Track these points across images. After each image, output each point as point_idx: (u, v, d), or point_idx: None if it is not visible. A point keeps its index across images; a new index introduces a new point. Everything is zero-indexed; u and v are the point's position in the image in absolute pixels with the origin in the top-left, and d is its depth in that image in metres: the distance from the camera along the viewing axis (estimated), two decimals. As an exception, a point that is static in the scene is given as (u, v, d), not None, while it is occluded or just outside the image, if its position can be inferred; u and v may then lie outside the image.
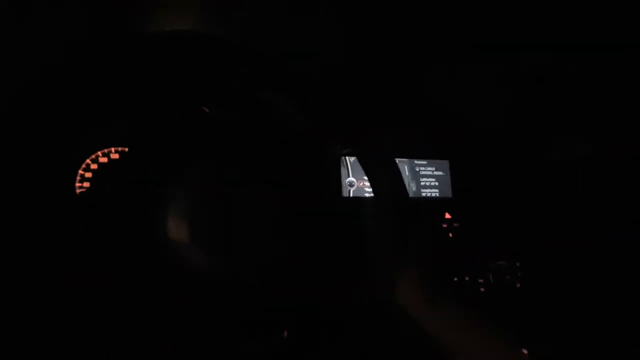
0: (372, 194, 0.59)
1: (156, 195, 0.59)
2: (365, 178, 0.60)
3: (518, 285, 0.77)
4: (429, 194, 0.80)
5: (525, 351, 0.37)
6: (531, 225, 0.80)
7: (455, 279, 0.76)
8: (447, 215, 0.78)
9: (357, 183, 0.77)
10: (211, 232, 0.59)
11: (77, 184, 0.71)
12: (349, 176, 0.76)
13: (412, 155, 0.80)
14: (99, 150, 0.73)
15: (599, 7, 0.72)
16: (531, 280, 0.77)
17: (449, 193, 0.81)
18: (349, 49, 0.78)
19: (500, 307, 0.76)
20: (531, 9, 0.75)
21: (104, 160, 0.73)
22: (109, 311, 0.55)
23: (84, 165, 0.71)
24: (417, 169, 0.80)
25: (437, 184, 0.81)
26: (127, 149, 0.75)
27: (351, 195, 0.76)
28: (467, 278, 0.76)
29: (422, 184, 0.80)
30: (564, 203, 0.80)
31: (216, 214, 0.60)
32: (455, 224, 0.78)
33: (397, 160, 0.61)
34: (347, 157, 0.77)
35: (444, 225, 0.78)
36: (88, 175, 0.71)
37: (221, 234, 0.59)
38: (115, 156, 0.74)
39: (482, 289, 0.76)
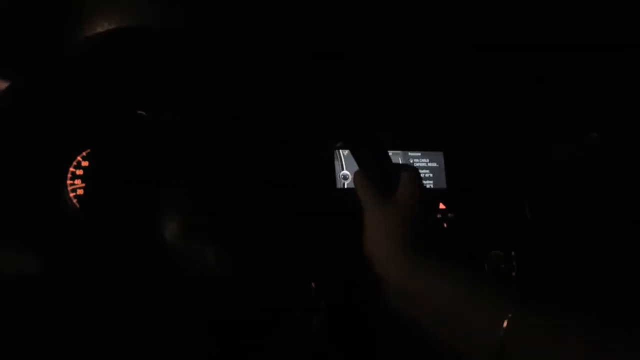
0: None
1: (155, 195, 0.58)
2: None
3: (514, 274, 0.77)
4: (423, 186, 0.80)
5: (510, 315, 0.36)
6: (526, 215, 0.80)
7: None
8: (442, 206, 0.78)
9: (351, 176, 0.77)
10: (210, 232, 0.58)
11: (69, 182, 0.70)
12: (343, 169, 0.76)
13: (405, 147, 0.80)
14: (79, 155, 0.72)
15: (594, 8, 0.73)
16: (527, 269, 0.77)
17: (443, 184, 0.81)
18: (342, 45, 0.77)
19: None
20: (525, 8, 0.75)
21: (86, 163, 0.72)
22: (109, 311, 0.54)
23: (74, 163, 0.71)
24: (411, 161, 0.80)
25: (431, 175, 0.81)
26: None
27: (346, 187, 0.76)
28: (463, 268, 0.76)
29: (416, 175, 0.80)
30: (559, 193, 0.80)
31: (216, 213, 0.60)
32: (450, 215, 0.78)
33: (391, 152, 0.61)
34: (340, 150, 0.77)
35: (439, 216, 0.78)
36: (79, 172, 0.71)
37: (221, 233, 0.59)
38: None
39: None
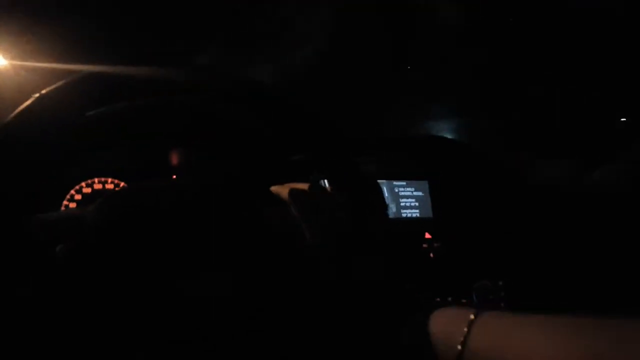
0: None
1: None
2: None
3: (502, 304, 0.76)
4: (409, 215, 0.80)
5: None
6: (513, 244, 0.79)
7: (438, 299, 0.75)
8: (427, 235, 0.78)
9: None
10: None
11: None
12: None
13: (390, 176, 0.81)
14: (83, 181, 0.75)
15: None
16: (515, 300, 0.75)
17: (429, 213, 0.81)
18: (328, 74, 0.80)
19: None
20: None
21: (87, 190, 0.75)
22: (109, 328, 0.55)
23: (68, 196, 0.74)
24: (397, 190, 0.81)
25: (417, 204, 0.81)
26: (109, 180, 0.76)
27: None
28: (449, 299, 0.75)
29: (402, 204, 0.80)
30: (545, 221, 0.79)
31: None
32: (436, 244, 0.78)
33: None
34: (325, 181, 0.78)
35: (424, 246, 0.77)
36: (72, 205, 0.74)
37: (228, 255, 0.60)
38: (98, 186, 0.76)
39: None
